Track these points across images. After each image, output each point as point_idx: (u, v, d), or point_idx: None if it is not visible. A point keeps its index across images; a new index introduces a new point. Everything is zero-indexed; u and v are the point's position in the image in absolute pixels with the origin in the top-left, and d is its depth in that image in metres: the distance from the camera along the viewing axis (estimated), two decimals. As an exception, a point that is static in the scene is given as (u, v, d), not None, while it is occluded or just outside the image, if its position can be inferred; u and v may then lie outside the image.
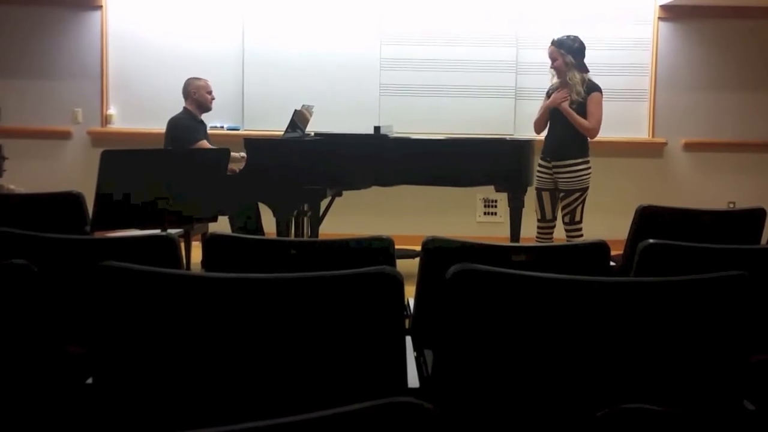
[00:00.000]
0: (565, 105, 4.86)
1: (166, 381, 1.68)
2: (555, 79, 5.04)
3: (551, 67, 4.98)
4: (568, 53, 4.89)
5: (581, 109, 4.86)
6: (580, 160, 4.87)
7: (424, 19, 6.61)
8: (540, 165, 4.99)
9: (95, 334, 1.73)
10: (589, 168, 4.91)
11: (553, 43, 4.95)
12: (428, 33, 6.59)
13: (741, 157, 6.76)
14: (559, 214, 4.95)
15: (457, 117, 6.52)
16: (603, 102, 4.92)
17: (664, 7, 6.63)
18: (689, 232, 2.99)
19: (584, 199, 4.90)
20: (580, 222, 4.90)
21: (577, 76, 4.87)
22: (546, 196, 4.97)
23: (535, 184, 5.04)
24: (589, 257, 2.34)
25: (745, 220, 3.32)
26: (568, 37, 4.96)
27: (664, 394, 1.67)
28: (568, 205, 4.87)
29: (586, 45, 4.98)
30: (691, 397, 1.71)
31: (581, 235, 4.87)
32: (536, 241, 5.02)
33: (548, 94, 5.07)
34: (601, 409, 1.01)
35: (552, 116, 4.97)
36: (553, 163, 4.91)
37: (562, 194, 4.89)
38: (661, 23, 6.66)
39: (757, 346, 2.12)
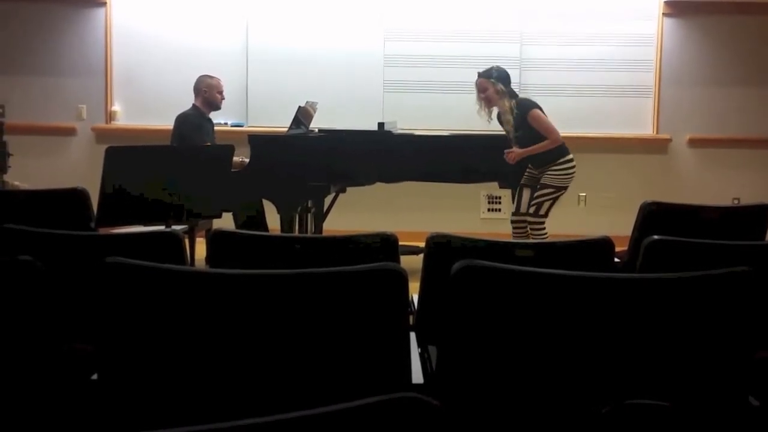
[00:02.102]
0: (518, 152, 4.86)
1: (171, 377, 1.68)
2: (484, 111, 5.03)
3: (481, 98, 4.98)
4: (497, 82, 4.91)
5: (527, 131, 4.85)
6: (561, 161, 4.88)
7: (427, 15, 6.60)
8: (528, 169, 5.01)
9: (100, 330, 1.73)
10: (572, 167, 4.91)
11: (480, 75, 4.99)
12: (432, 29, 6.58)
13: (746, 153, 6.75)
14: (556, 214, 4.99)
15: (460, 113, 6.48)
16: (542, 113, 4.91)
17: (668, 3, 6.61)
18: (694, 228, 2.98)
19: (556, 198, 4.91)
20: (545, 217, 4.91)
21: (507, 104, 4.88)
22: (526, 192, 4.98)
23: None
24: (593, 253, 2.33)
25: (749, 217, 3.32)
26: (492, 67, 5.00)
27: (669, 390, 1.67)
28: (538, 197, 4.88)
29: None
30: (695, 393, 1.71)
31: (543, 229, 4.91)
32: (513, 236, 5.03)
33: (499, 120, 5.06)
34: (606, 405, 1.01)
35: (520, 140, 4.93)
36: (537, 170, 4.95)
37: (538, 186, 4.91)
38: (666, 19, 6.65)
39: (762, 342, 2.12)
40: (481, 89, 4.97)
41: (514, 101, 4.92)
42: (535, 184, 4.95)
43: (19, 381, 1.80)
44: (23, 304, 1.83)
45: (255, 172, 4.82)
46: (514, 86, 6.45)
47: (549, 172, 4.88)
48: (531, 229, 4.91)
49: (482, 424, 1.70)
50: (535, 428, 1.71)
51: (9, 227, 2.39)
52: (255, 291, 1.66)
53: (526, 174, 5.02)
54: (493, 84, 4.91)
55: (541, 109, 4.92)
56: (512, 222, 5.06)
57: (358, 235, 2.37)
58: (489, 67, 5.03)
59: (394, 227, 2.73)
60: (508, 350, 1.70)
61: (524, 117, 4.86)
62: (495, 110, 5.04)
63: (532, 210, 4.89)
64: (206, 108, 5.46)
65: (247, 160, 4.99)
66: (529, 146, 4.85)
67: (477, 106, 5.05)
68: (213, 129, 5.56)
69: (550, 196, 4.88)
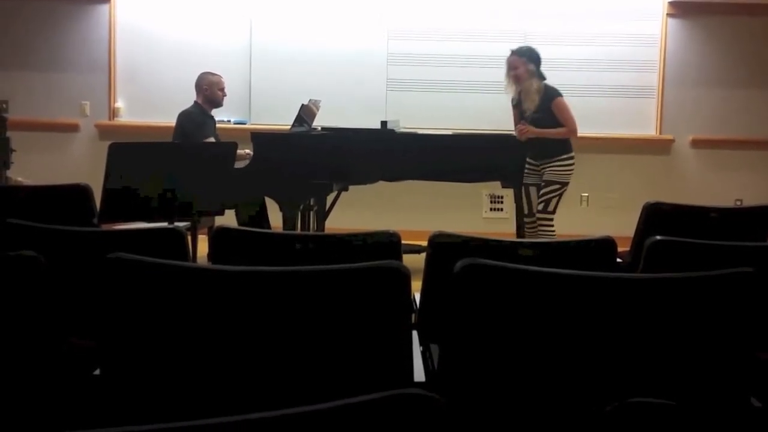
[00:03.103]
0: (531, 130, 4.89)
1: (173, 373, 1.68)
2: (512, 88, 5.07)
3: (511, 76, 5.01)
4: (529, 62, 4.96)
5: (546, 115, 4.90)
6: (564, 156, 4.94)
7: (431, 14, 6.60)
8: (528, 162, 5.04)
9: (103, 326, 1.73)
10: (573, 163, 4.98)
11: (514, 52, 5.03)
12: (435, 28, 6.58)
13: (748, 154, 6.74)
14: (562, 212, 5.03)
15: (464, 112, 6.51)
16: (567, 102, 4.98)
17: (672, 4, 6.60)
18: (696, 229, 2.98)
19: (562, 193, 4.97)
20: (553, 213, 4.96)
21: (534, 84, 4.94)
22: (533, 191, 5.03)
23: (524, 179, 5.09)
24: (596, 253, 2.33)
25: (752, 218, 3.32)
26: (525, 46, 5.06)
27: (671, 390, 1.67)
28: (546, 194, 4.94)
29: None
30: (697, 393, 1.71)
31: (552, 226, 4.96)
32: (526, 236, 5.07)
33: (513, 104, 5.12)
34: (608, 404, 1.01)
35: (536, 122, 4.95)
36: (539, 161, 4.98)
37: (543, 183, 4.96)
38: (669, 19, 6.64)
39: (764, 343, 2.12)
40: (512, 66, 5.00)
41: (542, 83, 4.97)
42: (538, 182, 4.97)
43: (21, 376, 1.81)
44: (26, 300, 1.83)
45: (258, 170, 4.82)
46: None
47: (553, 168, 4.91)
48: (541, 226, 4.95)
49: (484, 422, 1.71)
50: (537, 427, 1.71)
51: (12, 222, 2.39)
52: (257, 288, 1.66)
53: (526, 172, 5.03)
54: (525, 63, 4.95)
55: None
56: (527, 223, 5.07)
57: (360, 233, 2.37)
58: (522, 45, 5.07)
59: (397, 226, 2.72)
60: (510, 349, 1.70)
61: (548, 102, 4.92)
62: (512, 87, 5.06)
63: (540, 207, 4.94)
64: (208, 105, 5.47)
65: (251, 152, 4.99)
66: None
67: (505, 83, 5.07)
68: (215, 126, 5.57)
69: (557, 192, 4.93)
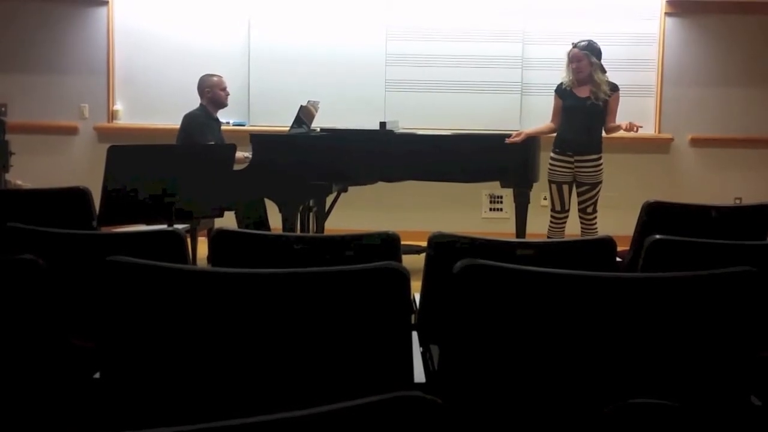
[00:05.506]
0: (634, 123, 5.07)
1: (173, 375, 1.68)
2: (567, 78, 5.14)
3: (573, 68, 5.08)
4: (592, 55, 5.08)
5: (604, 106, 5.07)
6: (601, 155, 5.10)
7: (429, 14, 6.59)
8: (559, 159, 5.09)
9: (102, 329, 1.73)
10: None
11: (578, 46, 5.12)
12: (434, 28, 6.58)
13: (748, 153, 6.74)
14: (575, 206, 5.12)
15: (462, 113, 6.50)
16: None
17: (670, 3, 6.60)
18: (696, 227, 2.98)
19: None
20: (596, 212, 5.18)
21: (602, 76, 5.09)
22: (566, 188, 5.11)
23: (552, 177, 5.13)
24: (595, 253, 2.33)
25: (751, 216, 3.32)
26: (587, 40, 5.16)
27: (671, 390, 1.67)
28: (593, 196, 5.09)
29: (593, 40, 5.20)
30: (698, 392, 1.71)
31: (597, 223, 5.13)
32: (550, 232, 5.16)
33: (558, 92, 5.17)
34: (608, 404, 1.01)
35: (572, 114, 5.07)
36: (576, 158, 5.05)
37: (586, 187, 5.07)
38: (668, 18, 6.64)
39: (764, 342, 2.12)
40: (575, 59, 5.10)
41: (606, 75, 5.14)
42: (571, 180, 5.08)
43: (21, 379, 1.80)
44: (26, 303, 1.83)
45: (257, 172, 4.82)
46: (515, 85, 6.46)
47: (594, 168, 5.06)
48: (589, 224, 5.08)
49: (484, 422, 1.70)
50: (537, 427, 1.71)
51: (12, 226, 2.39)
52: (257, 290, 1.66)
53: (558, 170, 5.08)
54: (588, 56, 5.08)
55: None
56: (560, 219, 5.14)
57: (359, 234, 2.37)
58: (582, 40, 5.16)
59: (396, 226, 2.72)
60: (510, 349, 1.70)
61: (610, 93, 5.09)
62: (568, 77, 5.15)
63: (590, 210, 5.08)
64: (212, 107, 5.47)
65: (249, 155, 5.00)
66: (594, 123, 5.08)
67: (564, 74, 5.17)
68: (220, 128, 5.57)
69: (599, 191, 5.10)
